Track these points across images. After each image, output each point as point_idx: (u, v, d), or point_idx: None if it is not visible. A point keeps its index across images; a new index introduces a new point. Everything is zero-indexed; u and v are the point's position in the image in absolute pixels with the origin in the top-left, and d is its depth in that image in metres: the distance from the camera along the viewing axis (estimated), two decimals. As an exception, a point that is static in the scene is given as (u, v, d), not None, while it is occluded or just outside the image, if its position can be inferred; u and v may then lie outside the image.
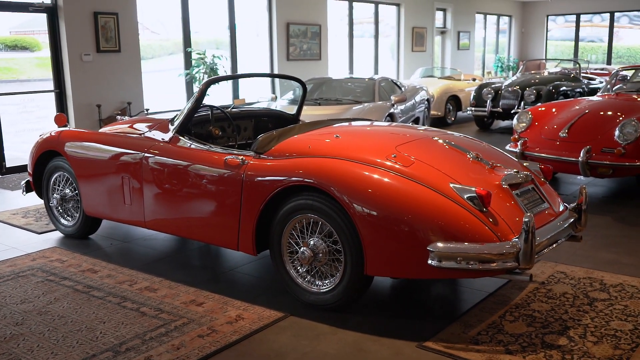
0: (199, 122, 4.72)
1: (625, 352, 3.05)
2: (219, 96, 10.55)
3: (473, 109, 11.71)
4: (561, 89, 11.17)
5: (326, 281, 3.58)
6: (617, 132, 6.03)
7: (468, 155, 3.67)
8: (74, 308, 3.70)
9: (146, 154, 4.38)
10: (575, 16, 21.83)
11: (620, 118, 6.29)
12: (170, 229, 4.35)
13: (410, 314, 3.58)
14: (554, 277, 4.06)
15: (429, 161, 3.48)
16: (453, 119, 12.97)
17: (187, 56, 10.34)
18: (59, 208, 5.22)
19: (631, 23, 21.77)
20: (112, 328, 3.41)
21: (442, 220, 3.15)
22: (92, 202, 4.83)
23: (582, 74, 12.54)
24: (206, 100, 9.70)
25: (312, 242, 3.55)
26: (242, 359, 3.09)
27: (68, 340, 3.27)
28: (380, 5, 15.20)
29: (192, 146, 4.22)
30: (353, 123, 4.40)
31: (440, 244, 3.12)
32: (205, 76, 9.80)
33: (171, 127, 4.42)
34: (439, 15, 17.72)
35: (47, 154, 5.16)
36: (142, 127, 4.81)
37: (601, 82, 12.21)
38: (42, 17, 8.58)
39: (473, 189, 3.21)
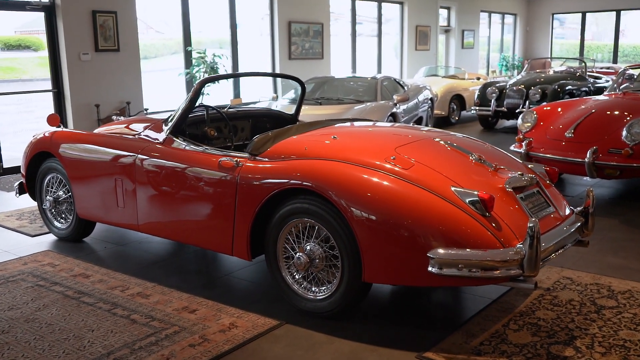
0: (194, 123, 4.60)
1: (634, 364, 2.91)
2: (219, 96, 10.42)
3: (477, 108, 11.56)
4: (567, 88, 11.00)
5: (323, 288, 3.45)
6: (624, 133, 5.88)
7: (470, 157, 3.54)
8: (62, 315, 3.58)
9: (139, 156, 4.26)
10: (580, 14, 21.60)
11: (628, 118, 6.13)
12: (164, 233, 4.23)
13: (410, 322, 3.45)
14: (559, 283, 3.92)
15: (430, 163, 3.34)
16: (457, 118, 12.82)
17: (188, 55, 10.23)
18: (53, 210, 5.10)
19: None
20: (100, 337, 3.29)
21: (443, 225, 3.02)
22: (85, 205, 4.71)
23: (587, 73, 12.36)
24: (206, 101, 9.63)
25: (308, 248, 3.43)
26: (234, 370, 2.97)
27: (54, 350, 3.15)
28: (383, 4, 15.06)
29: (187, 147, 4.10)
30: (352, 124, 4.27)
31: (440, 250, 2.98)
32: (206, 75, 9.69)
33: (165, 128, 4.30)
34: (443, 13, 17.56)
35: (40, 155, 5.04)
36: (136, 127, 4.69)
37: (607, 81, 12.04)
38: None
39: (475, 192, 3.08)
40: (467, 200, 3.08)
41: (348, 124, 4.21)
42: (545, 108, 7.17)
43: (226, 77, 5.69)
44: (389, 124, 4.46)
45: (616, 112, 6.43)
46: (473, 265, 2.94)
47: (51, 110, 8.66)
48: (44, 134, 5.08)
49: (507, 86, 11.40)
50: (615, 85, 7.88)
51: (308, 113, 7.68)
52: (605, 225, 5.23)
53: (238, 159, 3.72)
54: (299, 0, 12.19)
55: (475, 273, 2.95)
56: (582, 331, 3.24)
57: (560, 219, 3.48)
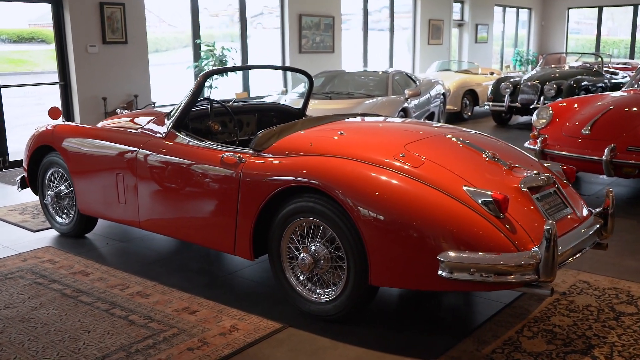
0: (198, 117, 4.46)
1: (656, 376, 2.75)
2: (227, 89, 10.28)
3: (490, 103, 11.36)
4: (583, 83, 10.76)
5: (328, 290, 3.31)
6: (644, 130, 5.68)
7: (484, 155, 3.37)
8: (59, 315, 3.46)
9: (141, 150, 4.13)
10: (597, 9, 21.23)
11: (647, 115, 5.93)
12: (165, 230, 4.10)
13: (419, 327, 3.30)
14: (576, 287, 3.75)
15: (441, 161, 3.18)
16: (469, 114, 12.60)
17: (197, 48, 10.10)
18: (54, 205, 5.00)
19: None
20: (96, 338, 3.17)
21: (454, 226, 2.86)
22: (86, 200, 4.60)
23: (604, 69, 12.10)
24: (214, 94, 9.50)
25: (313, 248, 3.28)
26: (233, 376, 2.84)
27: (48, 352, 3.04)
28: (396, -3, 14.85)
29: (189, 142, 3.97)
30: (361, 119, 4.11)
31: (451, 253, 2.83)
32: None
33: (167, 122, 4.17)
34: (456, 7, 17.30)
35: (42, 149, 4.94)
36: (139, 121, 4.57)
37: (624, 77, 11.78)
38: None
39: (489, 192, 2.92)
40: (479, 201, 2.92)
41: (356, 119, 4.06)
42: (560, 104, 6.97)
43: (230, 69, 5.53)
44: (399, 120, 4.29)
45: (635, 109, 6.22)
46: (485, 269, 2.79)
47: (59, 103, 8.56)
48: (46, 127, 4.98)
49: (522, 81, 11.19)
50: (633, 81, 7.65)
51: (317, 107, 7.54)
52: (623, 226, 5.04)
53: (241, 155, 3.58)
54: (310, -7, 12.03)
55: (487, 278, 2.79)
56: (601, 339, 3.08)
57: (578, 220, 3.31)
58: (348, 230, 3.09)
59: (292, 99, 8.39)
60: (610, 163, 5.62)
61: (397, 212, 2.94)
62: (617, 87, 11.30)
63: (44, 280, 4.00)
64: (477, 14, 17.95)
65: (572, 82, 10.67)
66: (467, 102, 12.49)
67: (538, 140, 6.31)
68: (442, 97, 10.32)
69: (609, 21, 22.72)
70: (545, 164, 3.70)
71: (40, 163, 4.99)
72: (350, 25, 13.75)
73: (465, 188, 2.99)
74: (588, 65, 12.43)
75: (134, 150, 4.17)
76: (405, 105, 8.33)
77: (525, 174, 3.28)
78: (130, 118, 4.77)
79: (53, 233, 5.06)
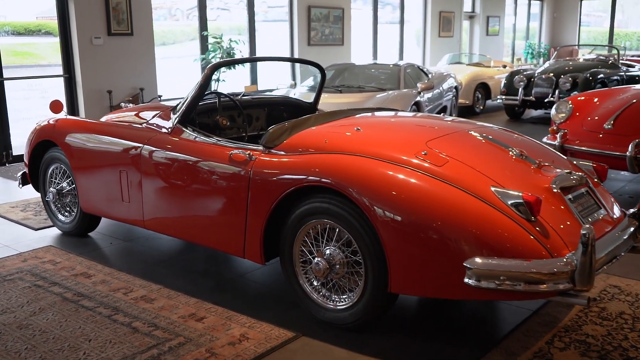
0: (205, 111, 4.26)
1: (703, 394, 2.53)
2: (235, 83, 10.07)
3: (504, 97, 11.09)
4: (599, 76, 10.48)
5: (344, 296, 3.10)
6: (670, 125, 5.43)
7: (510, 153, 3.15)
8: (58, 321, 3.27)
9: (146, 146, 3.93)
10: (610, 0, 20.85)
11: (673, 109, 5.68)
12: (171, 231, 3.90)
13: (441, 336, 3.08)
14: (606, 292, 3.53)
15: (466, 160, 2.96)
16: (482, 107, 12.34)
17: (204, 40, 9.88)
18: (56, 203, 4.81)
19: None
20: (97, 348, 2.98)
21: (482, 230, 2.64)
22: (89, 198, 4.41)
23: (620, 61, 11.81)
24: (221, 88, 9.28)
25: (327, 252, 3.07)
26: (244, 391, 2.64)
27: (46, 363, 2.85)
28: (406, -12, 14.58)
29: (196, 138, 3.76)
30: (376, 114, 3.89)
31: (478, 260, 2.61)
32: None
33: (173, 117, 3.97)
34: (467, -1, 16.99)
35: (43, 144, 4.74)
36: (144, 115, 4.37)
37: (641, 70, 11.49)
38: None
39: (519, 193, 2.70)
40: (509, 203, 2.70)
41: (372, 114, 3.84)
42: (579, 98, 6.72)
43: (239, 61, 5.30)
44: (417, 114, 4.06)
45: (660, 103, 5.97)
46: (516, 277, 2.57)
47: (64, 96, 8.37)
48: (47, 122, 4.78)
49: (536, 74, 10.91)
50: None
51: (328, 101, 7.30)
52: (650, 225, 4.80)
53: (251, 152, 3.37)
54: (319, -16, 11.78)
55: (517, 287, 2.58)
56: (639, 351, 2.86)
57: (612, 223, 3.08)
58: (366, 234, 2.88)
59: (301, 92, 8.17)
60: (635, 159, 5.37)
61: (419, 215, 2.72)
62: (633, 79, 11.02)
63: (44, 283, 3.81)
64: (488, 5, 17.63)
65: (588, 75, 10.39)
66: (479, 96, 12.23)
67: (557, 135, 6.06)
68: (454, 90, 10.08)
69: (619, 13, 22.33)
70: (575, 162, 3.47)
71: (42, 159, 4.80)
72: (359, 17, 13.48)
73: (493, 189, 2.77)
74: (604, 57, 12.13)
75: (139, 147, 3.97)
76: (418, 99, 8.09)
77: (556, 173, 3.05)
78: (135, 112, 4.58)
79: (55, 231, 4.88)
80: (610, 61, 11.59)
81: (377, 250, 2.85)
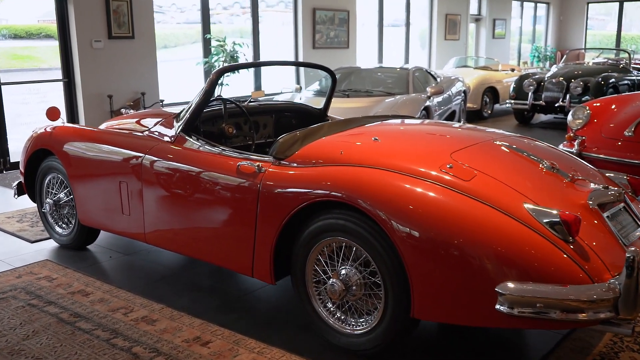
0: (210, 119, 4.03)
1: None
2: (239, 88, 9.84)
3: (513, 101, 10.84)
4: (610, 80, 10.25)
5: (361, 320, 2.86)
6: (695, 132, 5.20)
7: (541, 165, 2.92)
8: (53, 346, 3.04)
9: (147, 156, 3.70)
10: (618, 3, 20.62)
11: (698, 115, 5.44)
12: (174, 246, 3.67)
13: (466, 363, 2.85)
14: (640, 314, 3.28)
15: (494, 173, 2.73)
16: (490, 112, 12.11)
17: (207, 43, 9.66)
18: (53, 214, 4.58)
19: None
20: (94, 377, 2.75)
21: (515, 252, 2.41)
22: (87, 210, 4.18)
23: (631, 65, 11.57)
24: (225, 93, 9.06)
25: (343, 272, 2.84)
26: None
27: (38, 395, 2.62)
28: (411, -9, 14.36)
29: (200, 148, 3.53)
30: (392, 121, 3.66)
31: (511, 285, 2.38)
32: (225, 65, 9.10)
33: (176, 125, 3.74)
34: (473, 1, 16.75)
35: (40, 153, 4.52)
36: (146, 123, 4.14)
37: (653, 74, 11.24)
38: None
39: (556, 211, 2.46)
40: (544, 221, 2.47)
41: (389, 122, 3.61)
42: (595, 104, 6.48)
43: (245, 66, 5.08)
44: (436, 122, 3.82)
45: (682, 109, 5.74)
46: (553, 305, 2.34)
47: (71, 100, 8.14)
48: (44, 129, 4.55)
49: (546, 78, 10.68)
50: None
51: (335, 106, 7.03)
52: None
53: (260, 164, 3.14)
54: (324, -14, 11.56)
55: (553, 315, 2.34)
56: (684, 384, 2.63)
57: (652, 241, 2.85)
58: (386, 254, 2.65)
59: (307, 97, 7.94)
60: (658, 168, 5.15)
61: (445, 235, 2.49)
62: (644, 84, 10.80)
63: (38, 302, 3.58)
64: (495, 8, 17.41)
65: (600, 79, 10.16)
66: (487, 100, 12.00)
67: (575, 143, 5.83)
68: (462, 94, 9.86)
69: (621, 17, 22.12)
70: (607, 174, 3.24)
71: (38, 168, 4.57)
72: (364, 20, 13.26)
73: (526, 206, 2.54)
74: (614, 61, 11.90)
75: (139, 156, 3.74)
76: (428, 103, 7.86)
77: (591, 187, 2.82)
78: (135, 119, 4.35)
79: (52, 244, 4.65)
80: (622, 65, 11.35)
81: (399, 271, 2.62)
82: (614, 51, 17.11)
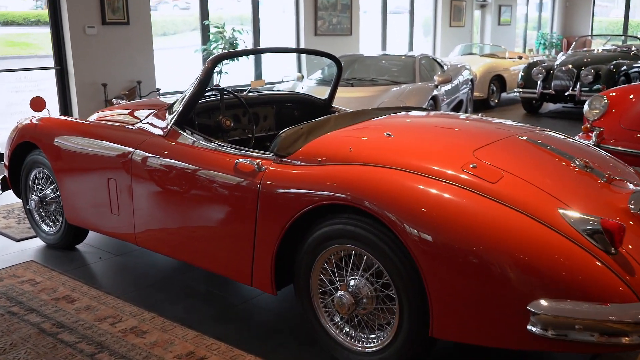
0: (206, 110, 3.72)
1: None
2: (238, 76, 9.51)
3: (521, 90, 10.51)
4: (622, 68, 9.92)
5: (372, 336, 2.58)
6: None
7: (573, 164, 2.62)
8: (32, 362, 2.76)
9: (137, 151, 3.40)
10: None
11: None
12: (166, 250, 3.38)
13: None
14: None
15: (523, 174, 2.43)
16: (496, 101, 11.78)
17: (205, 30, 9.32)
18: (40, 211, 4.29)
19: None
20: (75, 400, 2.46)
21: (549, 265, 2.12)
22: (74, 208, 3.89)
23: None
24: (224, 82, 8.73)
25: (352, 283, 2.55)
26: None
27: (11, 422, 2.34)
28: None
29: (195, 143, 3.23)
30: (405, 114, 3.35)
31: (545, 303, 2.09)
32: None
33: (168, 117, 3.43)
34: (479, -13, 16.38)
35: (24, 145, 4.22)
36: (139, 114, 3.84)
37: (665, 61, 10.89)
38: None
39: (596, 219, 2.17)
40: (583, 230, 2.17)
41: (402, 114, 3.30)
42: (612, 93, 6.17)
43: (245, 53, 4.73)
44: (452, 115, 3.49)
45: None
46: (592, 327, 2.05)
47: (63, 89, 7.81)
48: (30, 120, 4.25)
49: (555, 66, 10.34)
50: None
51: (338, 96, 6.69)
52: None
53: (260, 161, 2.84)
54: (327, -29, 11.19)
55: (591, 338, 2.06)
56: None
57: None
58: (402, 264, 2.36)
59: (309, 86, 7.62)
60: (683, 162, 4.84)
61: (470, 244, 2.19)
62: (656, 72, 10.47)
63: (19, 310, 3.29)
64: (501, -6, 17.02)
65: (611, 67, 9.83)
66: (494, 89, 11.66)
67: (593, 134, 5.52)
68: (470, 83, 9.53)
69: (623, 2, 21.71)
70: (641, 172, 2.94)
71: (23, 162, 4.27)
72: (366, 7, 12.89)
73: (561, 212, 2.25)
74: (625, 48, 11.55)
75: (129, 151, 3.44)
76: (435, 92, 7.54)
77: (630, 189, 2.53)
78: (128, 110, 4.04)
79: (38, 243, 4.36)
80: (633, 52, 11.00)
81: (416, 285, 2.33)
82: (622, 38, 16.74)
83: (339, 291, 2.57)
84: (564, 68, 10.18)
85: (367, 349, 2.57)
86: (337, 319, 2.66)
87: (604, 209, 2.34)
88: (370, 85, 7.51)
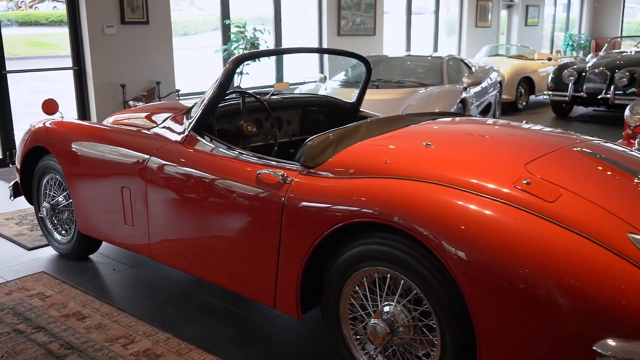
0: (226, 114, 3.48)
1: None
2: (260, 78, 9.27)
3: (551, 93, 10.16)
4: (658, 70, 9.51)
5: (409, 368, 2.31)
6: None
7: (636, 180, 2.33)
8: (35, 389, 2.54)
9: (152, 158, 3.17)
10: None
11: None
12: (182, 264, 3.14)
13: None
14: None
15: (585, 192, 2.15)
16: (524, 104, 11.41)
17: (226, 30, 9.11)
18: (52, 219, 4.09)
19: None
20: None
21: (619, 299, 1.83)
22: (86, 218, 3.67)
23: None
24: (244, 83, 8.50)
25: (387, 309, 2.29)
26: None
27: None
28: (441, -25, 13.66)
29: (214, 151, 2.99)
30: (445, 120, 3.08)
31: (613, 343, 1.81)
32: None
33: (186, 122, 3.20)
34: (506, -13, 15.99)
35: (37, 150, 4.02)
36: (156, 118, 3.61)
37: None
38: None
39: (673, 246, 1.88)
40: (656, 258, 1.89)
41: (440, 120, 3.03)
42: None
43: (267, 53, 4.46)
44: (495, 122, 3.17)
45: None
46: (670, 370, 1.76)
47: (81, 89, 7.64)
48: (43, 124, 4.05)
49: (587, 68, 9.97)
50: None
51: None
52: None
53: (285, 173, 2.59)
54: (350, -30, 10.92)
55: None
56: None
57: None
58: (444, 292, 2.09)
59: (332, 88, 7.37)
60: None
61: (525, 273, 1.92)
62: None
63: (26, 328, 3.08)
64: (528, -6, 16.62)
65: (647, 69, 9.43)
66: (522, 91, 11.30)
67: (636, 142, 5.20)
68: (498, 85, 9.20)
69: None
70: None
71: (36, 167, 4.08)
72: (389, 8, 12.59)
73: (631, 236, 1.96)
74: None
75: (144, 158, 3.21)
76: (464, 95, 7.23)
77: None
78: (145, 113, 3.82)
79: (50, 252, 4.17)
80: (669, 54, 10.58)
81: (461, 315, 2.06)
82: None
83: (373, 320, 2.30)
84: (596, 70, 9.81)
85: (403, 385, 2.31)
86: (369, 348, 2.40)
87: (679, 233, 2.05)
88: (396, 87, 7.23)
